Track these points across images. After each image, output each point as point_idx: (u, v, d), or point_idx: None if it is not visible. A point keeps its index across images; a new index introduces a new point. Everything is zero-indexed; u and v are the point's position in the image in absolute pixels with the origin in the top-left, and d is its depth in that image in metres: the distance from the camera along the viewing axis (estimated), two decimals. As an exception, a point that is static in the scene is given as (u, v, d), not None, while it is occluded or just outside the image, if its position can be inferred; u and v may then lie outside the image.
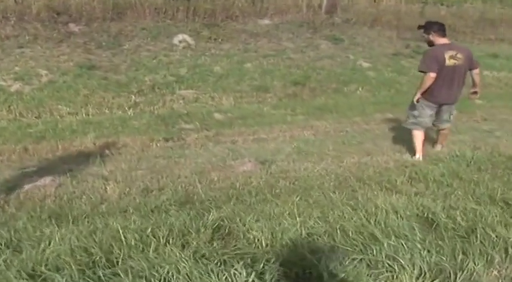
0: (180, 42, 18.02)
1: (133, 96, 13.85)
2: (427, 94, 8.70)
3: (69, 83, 14.17)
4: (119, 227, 4.55)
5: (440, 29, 8.75)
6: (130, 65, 15.97)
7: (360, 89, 16.23)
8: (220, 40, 18.76)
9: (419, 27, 9.06)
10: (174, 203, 6.11)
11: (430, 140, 9.77)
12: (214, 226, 4.81)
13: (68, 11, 18.25)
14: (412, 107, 9.08)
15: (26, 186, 7.07)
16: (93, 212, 5.85)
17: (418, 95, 8.79)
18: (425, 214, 5.20)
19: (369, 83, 16.77)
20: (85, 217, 5.58)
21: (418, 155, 8.84)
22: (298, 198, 5.93)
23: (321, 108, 13.83)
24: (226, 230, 4.82)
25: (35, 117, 12.03)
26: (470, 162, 7.87)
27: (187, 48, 17.75)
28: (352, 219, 4.98)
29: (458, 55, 8.53)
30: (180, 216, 5.06)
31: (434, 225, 4.93)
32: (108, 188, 6.94)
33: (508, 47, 24.01)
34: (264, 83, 15.74)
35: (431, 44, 8.77)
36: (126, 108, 12.96)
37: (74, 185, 7.13)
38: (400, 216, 5.06)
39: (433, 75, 8.41)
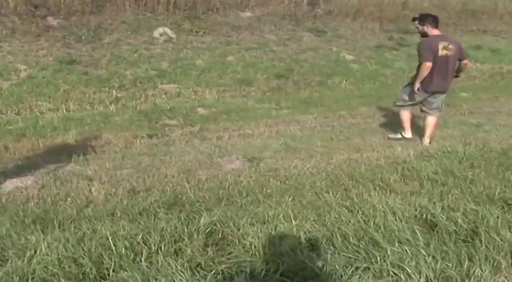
0: (160, 35, 17.80)
1: (114, 92, 13.64)
2: (424, 80, 9.17)
3: (48, 78, 13.93)
4: (108, 234, 4.36)
5: (434, 20, 9.28)
6: (110, 59, 15.74)
7: (344, 81, 16.16)
8: (201, 33, 18.56)
9: (414, 19, 9.61)
10: (162, 205, 5.89)
11: (419, 134, 9.83)
12: (207, 231, 4.63)
13: (46, 4, 17.92)
14: (404, 91, 9.82)
15: (7, 188, 6.80)
16: (79, 216, 5.61)
17: (418, 84, 9.19)
18: (424, 216, 5.06)
19: (353, 76, 16.69)
20: (71, 222, 5.35)
21: (409, 134, 9.87)
22: (291, 198, 5.79)
23: (305, 102, 13.69)
24: (220, 235, 4.65)
25: (15, 113, 11.75)
26: (463, 158, 7.74)
27: (169, 42, 17.54)
28: (350, 222, 4.82)
29: (450, 46, 9.16)
30: (171, 221, 4.88)
31: (435, 228, 4.78)
32: (93, 189, 6.70)
33: (491, 39, 24.07)
34: (247, 76, 15.59)
35: (424, 35, 9.28)
36: (108, 104, 12.73)
37: (57, 186, 6.87)
38: (399, 218, 4.91)
39: (429, 64, 8.94)
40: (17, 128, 10.50)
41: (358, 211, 5.13)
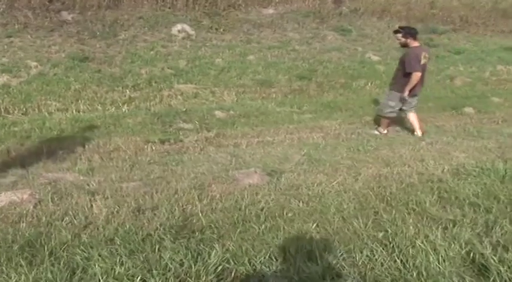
0: (179, 32, 17.20)
1: (128, 91, 13.07)
2: (402, 87, 10.49)
3: (60, 75, 13.40)
4: (102, 273, 3.70)
5: (416, 33, 10.75)
6: (125, 56, 15.17)
7: (370, 84, 15.54)
8: (221, 30, 17.98)
9: (396, 31, 10.87)
10: (169, 229, 5.18)
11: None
12: (218, 270, 3.93)
13: (61, -2, 17.27)
14: (389, 99, 10.86)
15: (1, 203, 6.13)
16: (74, 242, 4.92)
17: (407, 92, 10.47)
18: (472, 256, 4.33)
19: (378, 78, 15.99)
20: (64, 249, 4.67)
21: (386, 131, 11.05)
22: (315, 225, 5.07)
23: (329, 106, 13.06)
24: (233, 274, 3.95)
25: (22, 113, 11.22)
26: (504, 177, 6.97)
27: (187, 39, 16.95)
28: (384, 262, 4.11)
29: (427, 55, 10.84)
30: (177, 253, 4.19)
31: (486, 273, 4.06)
32: (94, 206, 6.00)
33: (522, 40, 23.16)
34: (268, 77, 14.98)
35: (405, 46, 10.68)
36: (120, 105, 12.15)
37: (55, 201, 6.17)
38: (442, 258, 4.20)
39: (419, 74, 10.40)
40: (23, 130, 9.95)
41: (393, 247, 4.44)
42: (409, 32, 10.58)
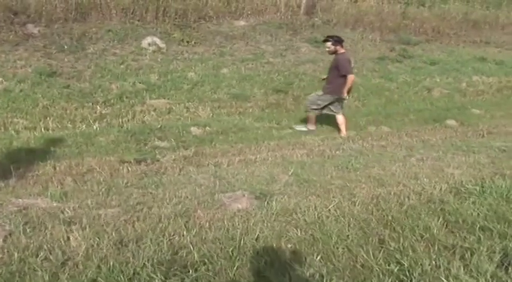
0: (149, 45, 16.63)
1: (98, 107, 12.52)
2: (339, 89, 11.60)
3: (26, 92, 12.76)
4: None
5: (343, 41, 12.03)
6: (95, 71, 14.57)
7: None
8: (193, 43, 17.42)
9: (326, 40, 11.96)
10: (158, 265, 4.66)
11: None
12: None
13: (27, 10, 16.70)
14: (321, 99, 11.92)
15: (-35, 236, 5.53)
16: (51, 284, 4.38)
17: (346, 93, 11.63)
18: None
19: (356, 90, 15.50)
20: (40, 293, 4.12)
21: (313, 127, 12.20)
22: (319, 257, 4.61)
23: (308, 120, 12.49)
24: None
25: (-14, 132, 10.51)
26: (508, 196, 6.56)
27: (158, 52, 16.39)
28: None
29: (351, 60, 12.21)
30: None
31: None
32: (71, 238, 5.44)
33: (494, 50, 23.17)
34: (243, 90, 14.53)
35: (334, 53, 11.86)
36: (91, 122, 11.59)
37: (27, 233, 5.58)
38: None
39: (353, 76, 11.78)
40: (-13, 150, 9.28)
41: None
42: (338, 40, 11.77)
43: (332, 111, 12.01)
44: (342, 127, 11.86)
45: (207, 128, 11.45)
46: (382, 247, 5.03)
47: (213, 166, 8.74)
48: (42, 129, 10.98)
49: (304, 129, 12.07)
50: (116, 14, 17.66)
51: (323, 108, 12.00)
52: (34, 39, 15.76)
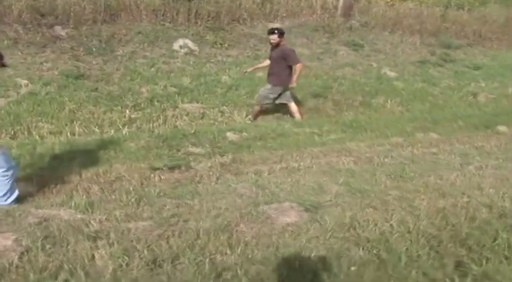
0: (181, 47, 15.98)
1: (128, 111, 11.85)
2: (287, 80, 12.00)
3: (52, 94, 12.14)
4: None
5: (284, 33, 12.28)
6: (124, 73, 13.93)
7: (389, 101, 14.35)
8: (226, 45, 16.79)
9: (272, 32, 12.08)
10: (199, 291, 3.90)
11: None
12: None
13: (54, 12, 16.15)
14: (268, 93, 12.20)
15: (-22, 252, 4.80)
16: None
17: (295, 82, 11.99)
18: None
19: (398, 95, 14.89)
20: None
21: (256, 119, 12.49)
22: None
23: (351, 126, 11.87)
24: None
25: (10, 137, 9.99)
26: None
27: (190, 55, 15.74)
28: None
29: None
30: None
31: None
32: (97, 255, 4.69)
33: (540, 55, 22.14)
34: (281, 95, 13.68)
35: (278, 45, 12.02)
36: (120, 126, 10.94)
37: (47, 250, 4.84)
38: None
39: (302, 64, 12.14)
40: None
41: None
42: (282, 33, 12.11)
43: (285, 100, 12.48)
44: (297, 114, 12.42)
45: (244, 133, 10.71)
46: (461, 270, 4.24)
47: (253, 174, 7.98)
48: (68, 134, 10.35)
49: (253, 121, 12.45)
50: (146, 16, 17.06)
51: (275, 99, 12.35)
52: (61, 41, 15.19)
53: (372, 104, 14.11)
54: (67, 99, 11.97)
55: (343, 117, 12.75)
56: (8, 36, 14.64)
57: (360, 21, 20.61)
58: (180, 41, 16.24)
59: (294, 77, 11.89)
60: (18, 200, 6.74)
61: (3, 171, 6.58)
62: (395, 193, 6.91)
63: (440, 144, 10.34)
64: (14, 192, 6.72)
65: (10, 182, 6.64)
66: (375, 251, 4.78)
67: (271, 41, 12.07)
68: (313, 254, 4.67)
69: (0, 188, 6.63)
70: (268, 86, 12.22)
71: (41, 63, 13.66)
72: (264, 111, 12.72)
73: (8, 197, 6.66)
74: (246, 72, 13.25)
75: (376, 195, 6.78)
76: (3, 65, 6.52)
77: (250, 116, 12.48)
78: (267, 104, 12.44)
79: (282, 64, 11.93)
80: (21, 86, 12.26)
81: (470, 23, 22.98)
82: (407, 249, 4.81)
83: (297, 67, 11.86)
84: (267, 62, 12.62)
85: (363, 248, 4.83)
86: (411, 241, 5.02)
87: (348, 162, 8.78)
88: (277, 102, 12.42)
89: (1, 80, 12.37)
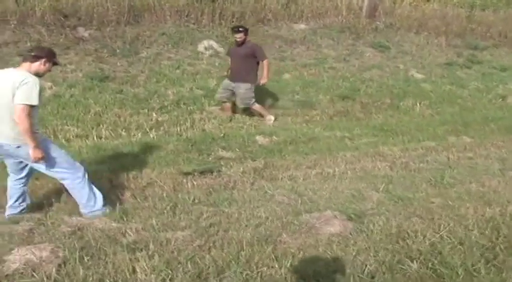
0: (206, 49, 15.73)
1: (154, 114, 11.61)
2: (257, 76, 11.78)
3: (77, 97, 11.92)
4: None
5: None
6: (149, 75, 13.70)
7: (418, 104, 13.98)
8: (251, 47, 16.43)
9: (238, 31, 11.65)
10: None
11: None
12: None
13: (77, 13, 15.85)
14: (251, 92, 11.77)
15: (13, 264, 4.57)
16: None
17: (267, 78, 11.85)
18: None
19: (427, 98, 14.60)
20: None
21: (271, 115, 12.18)
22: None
23: (382, 129, 11.63)
24: None
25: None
26: None
27: (215, 56, 15.47)
28: None
29: None
30: None
31: None
32: (138, 268, 4.48)
33: None
34: (308, 97, 13.60)
35: (243, 42, 11.69)
36: (147, 129, 10.69)
37: (85, 262, 4.63)
38: None
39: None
40: (37, 161, 8.36)
41: None
42: (247, 30, 11.89)
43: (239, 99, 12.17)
44: (228, 112, 12.20)
45: (274, 137, 10.49)
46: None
47: (287, 180, 7.78)
48: (95, 137, 10.11)
49: (270, 122, 11.97)
50: (170, 17, 16.79)
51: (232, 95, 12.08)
52: (85, 42, 14.97)
53: (400, 106, 13.81)
54: (92, 101, 11.75)
55: (372, 120, 12.47)
56: (31, 38, 14.44)
57: (385, 22, 20.26)
58: (205, 42, 15.98)
59: (265, 73, 11.74)
60: (105, 201, 6.53)
61: (72, 174, 6.34)
62: (438, 201, 6.69)
63: (475, 149, 10.10)
64: (96, 194, 6.49)
65: (85, 184, 6.39)
66: (429, 264, 4.55)
67: (238, 39, 11.70)
68: (365, 268, 4.44)
69: (80, 194, 6.40)
70: (247, 85, 11.72)
71: (65, 65, 13.42)
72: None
73: (95, 201, 6.42)
74: (226, 74, 12.40)
75: (419, 203, 6.56)
76: (55, 63, 6.36)
77: (265, 118, 12.02)
78: (255, 102, 12.00)
79: (251, 61, 11.70)
80: (45, 88, 12.04)
81: (495, 24, 22.53)
82: (462, 262, 4.57)
83: (266, 62, 11.74)
84: (229, 61, 12.16)
85: (416, 261, 4.60)
86: (465, 253, 4.78)
87: (383, 167, 8.57)
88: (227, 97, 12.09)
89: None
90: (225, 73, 12.35)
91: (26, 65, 5.96)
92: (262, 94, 12.62)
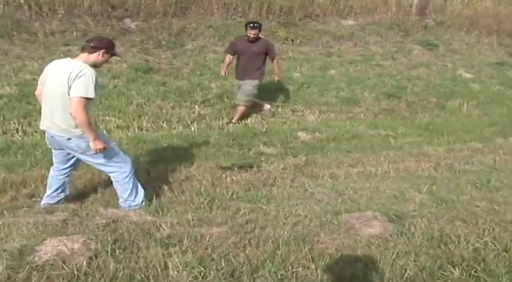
0: (252, 42, 15.57)
1: (197, 107, 11.58)
2: (263, 74, 11.55)
3: (120, 88, 11.90)
4: None
5: None
6: (193, 68, 13.64)
7: (465, 104, 13.73)
8: (298, 42, 16.36)
9: (255, 27, 11.28)
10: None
11: None
12: None
13: (125, 4, 15.92)
14: (254, 88, 11.34)
15: (45, 255, 4.50)
16: None
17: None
18: None
19: (474, 98, 14.30)
20: None
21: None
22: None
23: (427, 129, 11.45)
24: None
25: (76, 131, 9.62)
26: None
27: (261, 50, 15.31)
28: None
29: None
30: None
31: None
32: (170, 264, 4.37)
33: None
34: (353, 94, 13.39)
35: (256, 39, 11.33)
36: (189, 122, 10.68)
37: (117, 255, 4.54)
38: None
39: None
40: (76, 150, 8.35)
41: None
42: (261, 26, 11.60)
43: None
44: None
45: (317, 133, 10.36)
46: None
47: (328, 178, 7.63)
48: (136, 129, 10.10)
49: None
50: (217, 10, 16.72)
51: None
52: (131, 34, 14.98)
53: (446, 106, 13.55)
54: (135, 93, 11.72)
55: (418, 119, 12.26)
56: (78, 28, 14.49)
57: (435, 20, 19.93)
58: (252, 36, 15.92)
59: (277, 70, 11.77)
60: (145, 197, 6.47)
61: (120, 168, 6.31)
62: (483, 205, 6.48)
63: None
64: (139, 191, 6.45)
65: (130, 179, 6.34)
66: (472, 272, 4.37)
67: (252, 35, 11.26)
68: (405, 273, 4.28)
69: (123, 188, 6.35)
70: (253, 82, 11.33)
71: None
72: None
73: (135, 197, 6.37)
74: (225, 74, 12.03)
75: (463, 207, 6.36)
76: (114, 55, 6.29)
77: (233, 120, 11.23)
78: (251, 101, 11.50)
79: (262, 58, 11.45)
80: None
81: (550, 23, 22.10)
82: (508, 271, 4.39)
83: (277, 60, 11.67)
84: (229, 58, 11.69)
85: (458, 268, 4.42)
86: (510, 261, 4.59)
87: (427, 168, 8.38)
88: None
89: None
90: (226, 72, 11.87)
91: (84, 55, 5.89)
92: (275, 91, 12.56)
